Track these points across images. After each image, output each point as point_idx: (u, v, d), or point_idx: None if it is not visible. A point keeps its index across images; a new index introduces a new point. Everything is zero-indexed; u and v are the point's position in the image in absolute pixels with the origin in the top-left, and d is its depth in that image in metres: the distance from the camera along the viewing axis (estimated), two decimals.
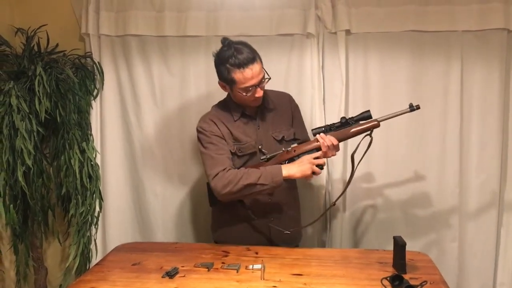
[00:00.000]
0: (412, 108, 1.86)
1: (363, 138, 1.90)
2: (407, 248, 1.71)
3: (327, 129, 1.89)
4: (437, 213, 2.36)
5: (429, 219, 2.37)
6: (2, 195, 2.09)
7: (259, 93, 1.87)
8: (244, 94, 1.85)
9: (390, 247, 1.77)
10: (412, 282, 1.57)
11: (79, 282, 1.68)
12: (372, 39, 2.29)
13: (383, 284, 1.60)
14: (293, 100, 2.11)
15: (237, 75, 1.81)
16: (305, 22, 2.27)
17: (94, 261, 2.39)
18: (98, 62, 2.40)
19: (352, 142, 2.15)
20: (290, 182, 1.97)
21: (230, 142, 1.94)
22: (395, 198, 2.39)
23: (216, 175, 1.83)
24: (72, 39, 2.44)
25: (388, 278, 1.61)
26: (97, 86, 2.41)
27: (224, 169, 1.83)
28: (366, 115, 1.87)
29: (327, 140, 1.84)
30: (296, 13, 2.28)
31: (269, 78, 1.90)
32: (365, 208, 2.41)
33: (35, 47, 2.34)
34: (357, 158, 1.93)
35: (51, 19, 2.39)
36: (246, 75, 1.81)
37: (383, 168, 2.36)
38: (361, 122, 1.88)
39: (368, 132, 1.88)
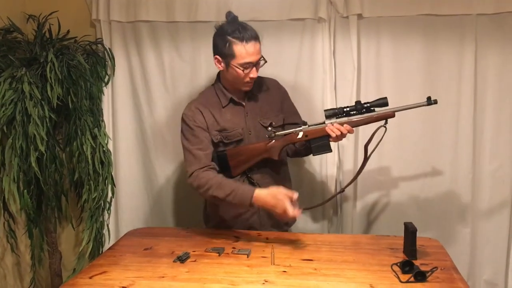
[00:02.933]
0: (430, 102, 1.84)
1: (377, 129, 1.88)
2: (418, 234, 1.70)
3: (340, 111, 1.86)
4: (450, 199, 2.35)
5: (441, 206, 2.36)
6: (16, 181, 2.12)
7: (254, 73, 1.87)
8: (241, 70, 1.84)
9: (401, 233, 1.77)
10: (422, 268, 1.56)
11: (92, 267, 1.71)
12: (384, 23, 2.25)
13: (393, 270, 1.60)
14: (281, 86, 2.10)
15: (239, 48, 1.82)
16: (316, 7, 2.24)
17: (107, 245, 2.42)
18: (109, 48, 2.40)
19: (364, 131, 2.14)
20: (278, 161, 1.97)
21: (214, 132, 1.93)
22: (407, 184, 2.37)
23: (192, 174, 1.87)
24: (83, 26, 2.44)
25: (399, 264, 1.61)
26: (109, 72, 2.42)
27: (200, 168, 1.86)
28: (382, 102, 1.83)
29: (335, 130, 1.83)
30: None
31: (266, 62, 1.91)
32: (377, 194, 2.40)
33: (47, 34, 2.34)
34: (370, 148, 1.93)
35: (62, 5, 2.38)
36: (248, 49, 1.82)
37: (395, 154, 2.34)
38: (376, 109, 1.85)
39: (383, 123, 1.86)
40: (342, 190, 2.08)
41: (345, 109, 1.86)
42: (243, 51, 1.82)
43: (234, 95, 1.97)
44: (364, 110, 1.85)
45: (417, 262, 1.63)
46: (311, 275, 1.59)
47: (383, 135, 1.88)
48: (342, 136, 1.85)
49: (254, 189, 1.79)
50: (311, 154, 1.98)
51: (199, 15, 2.31)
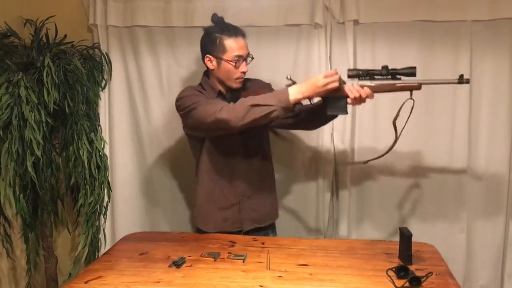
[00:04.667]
0: (461, 80, 1.74)
1: (404, 102, 1.80)
2: (414, 239, 1.70)
3: (364, 74, 1.78)
4: (445, 204, 2.35)
5: (436, 210, 2.36)
6: (12, 185, 2.12)
7: (245, 67, 1.93)
8: (233, 64, 1.89)
9: (397, 238, 1.77)
10: (417, 274, 1.56)
11: (87, 272, 1.70)
12: (380, 29, 2.27)
13: (388, 275, 1.60)
14: (265, 82, 2.11)
15: (229, 42, 1.89)
16: (312, 12, 2.26)
17: (103, 250, 2.41)
18: (106, 53, 2.40)
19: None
20: (262, 156, 2.00)
21: None
22: (402, 189, 2.38)
23: (220, 109, 1.75)
24: (80, 30, 2.44)
25: (394, 269, 1.61)
26: (105, 77, 2.42)
27: (226, 104, 1.81)
28: (410, 72, 1.74)
29: (354, 91, 1.73)
30: (303, 3, 2.26)
31: (253, 58, 1.96)
32: (372, 199, 2.41)
33: (44, 38, 2.34)
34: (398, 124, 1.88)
35: (59, 10, 2.39)
36: (239, 43, 1.90)
37: (390, 159, 2.34)
38: (402, 78, 1.77)
39: (408, 95, 1.77)
40: (366, 162, 2.09)
41: (369, 72, 1.77)
42: (233, 44, 1.89)
43: (224, 93, 1.99)
44: (389, 76, 1.77)
45: (412, 267, 1.63)
46: (307, 280, 1.59)
47: (412, 108, 1.79)
48: (360, 99, 1.75)
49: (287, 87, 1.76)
50: (318, 123, 2.02)
51: (196, 20, 2.32)
